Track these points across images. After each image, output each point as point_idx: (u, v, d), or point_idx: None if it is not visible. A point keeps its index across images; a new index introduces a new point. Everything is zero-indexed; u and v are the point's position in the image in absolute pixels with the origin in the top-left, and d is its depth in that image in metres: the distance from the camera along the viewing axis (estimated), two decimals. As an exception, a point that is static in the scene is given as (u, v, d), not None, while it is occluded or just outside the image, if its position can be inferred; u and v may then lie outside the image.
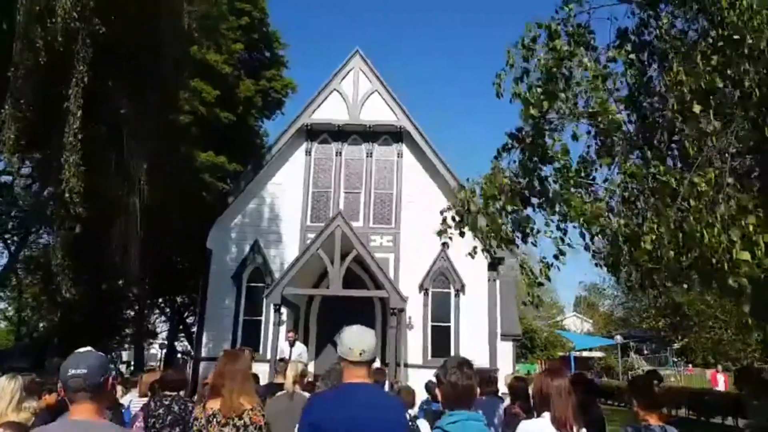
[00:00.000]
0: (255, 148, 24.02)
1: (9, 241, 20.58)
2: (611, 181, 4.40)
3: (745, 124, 3.75)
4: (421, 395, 9.22)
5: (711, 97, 3.75)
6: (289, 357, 12.53)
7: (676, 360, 34.12)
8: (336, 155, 18.45)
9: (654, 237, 3.81)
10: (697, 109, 3.70)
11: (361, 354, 3.29)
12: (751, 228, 3.46)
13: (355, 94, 18.57)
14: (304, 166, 18.40)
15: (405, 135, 18.31)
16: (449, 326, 17.32)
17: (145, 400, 6.55)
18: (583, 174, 4.69)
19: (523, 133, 4.95)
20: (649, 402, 3.94)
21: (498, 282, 17.95)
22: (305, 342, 17.17)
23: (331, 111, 18.46)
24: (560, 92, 4.66)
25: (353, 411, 3.10)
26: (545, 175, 4.94)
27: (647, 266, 4.07)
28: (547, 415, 3.65)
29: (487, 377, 6.91)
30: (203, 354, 17.39)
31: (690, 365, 31.61)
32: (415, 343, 17.12)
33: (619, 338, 33.39)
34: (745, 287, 3.34)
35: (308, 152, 18.49)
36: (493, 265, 17.26)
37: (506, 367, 19.16)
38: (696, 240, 3.53)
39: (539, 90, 4.81)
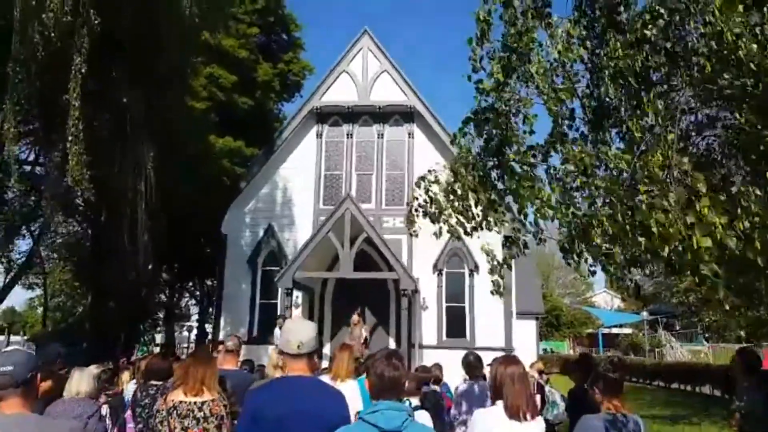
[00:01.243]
0: (273, 132, 24.04)
1: (32, 229, 21.18)
2: (560, 168, 4.19)
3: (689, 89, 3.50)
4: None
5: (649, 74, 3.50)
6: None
7: (707, 336, 33.24)
8: (347, 137, 18.27)
9: (602, 228, 3.61)
10: (634, 84, 3.45)
11: (299, 347, 3.30)
12: (705, 211, 3.24)
13: (365, 75, 18.30)
14: (315, 149, 18.27)
15: (416, 115, 17.99)
16: (464, 306, 17.15)
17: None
18: (539, 158, 4.48)
19: (479, 115, 4.76)
20: (613, 390, 3.85)
21: (514, 260, 17.67)
22: (320, 324, 17.28)
23: (341, 93, 18.22)
24: (516, 67, 4.46)
25: (289, 404, 3.08)
26: (505, 158, 4.74)
27: (601, 256, 3.87)
28: (500, 403, 3.62)
29: (474, 360, 6.79)
30: (221, 337, 17.62)
31: (721, 342, 30.86)
32: (430, 324, 16.99)
33: (645, 314, 32.65)
34: (717, 273, 3.12)
35: (319, 135, 18.36)
36: (507, 240, 17.00)
37: (527, 346, 19.01)
38: (650, 228, 3.32)
39: (496, 64, 4.60)
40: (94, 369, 7.57)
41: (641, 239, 3.42)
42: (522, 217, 4.87)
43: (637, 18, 3.65)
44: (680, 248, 3.26)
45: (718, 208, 3.25)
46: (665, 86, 3.75)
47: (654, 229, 3.22)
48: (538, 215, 4.16)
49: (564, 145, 4.17)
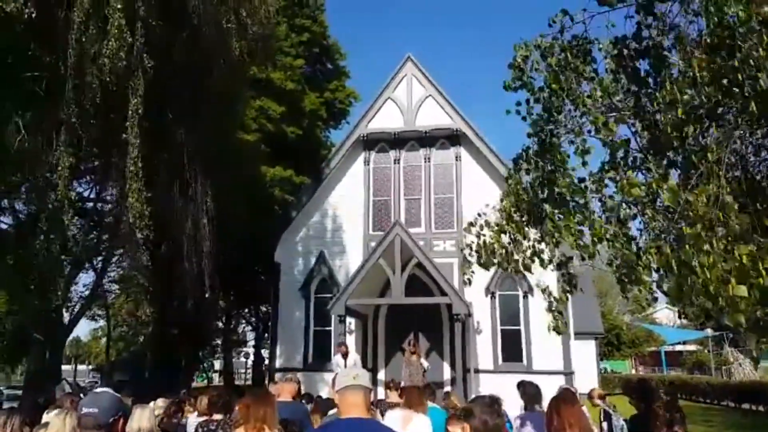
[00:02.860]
0: (321, 160, 24.50)
1: (94, 262, 22.07)
2: (609, 202, 4.15)
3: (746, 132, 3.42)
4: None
5: (708, 108, 3.45)
6: (344, 367, 12.66)
7: (778, 352, 31.61)
8: (394, 163, 18.42)
9: (649, 261, 3.57)
10: (690, 129, 3.42)
11: (355, 377, 3.33)
12: (745, 259, 3.17)
13: (410, 101, 18.47)
14: (363, 176, 18.50)
15: (462, 137, 18.00)
16: (519, 329, 16.90)
17: (203, 419, 6.84)
18: (593, 189, 4.45)
19: (530, 152, 4.77)
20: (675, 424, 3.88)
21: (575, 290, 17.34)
22: (374, 351, 17.34)
23: (386, 119, 18.43)
24: (560, 109, 4.47)
25: None
26: (557, 193, 4.73)
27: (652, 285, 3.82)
28: None
29: (531, 390, 6.71)
30: (278, 365, 17.89)
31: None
32: (485, 348, 16.79)
33: (709, 331, 31.26)
34: (741, 325, 3.07)
35: (366, 162, 18.59)
36: (562, 264, 16.72)
37: (587, 368, 18.56)
38: (692, 269, 3.27)
39: (539, 108, 4.63)
40: (161, 403, 7.83)
41: (686, 274, 3.37)
42: (575, 248, 4.83)
43: (696, 51, 3.61)
44: (718, 292, 3.20)
45: (764, 253, 3.17)
46: (717, 120, 3.70)
47: (698, 270, 3.18)
48: (589, 251, 4.12)
49: (619, 173, 4.14)
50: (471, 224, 5.90)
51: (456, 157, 18.12)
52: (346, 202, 18.40)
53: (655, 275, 3.95)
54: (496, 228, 5.30)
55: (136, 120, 11.47)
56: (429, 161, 18.25)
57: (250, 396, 4.83)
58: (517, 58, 4.49)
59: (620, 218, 3.93)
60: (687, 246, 3.23)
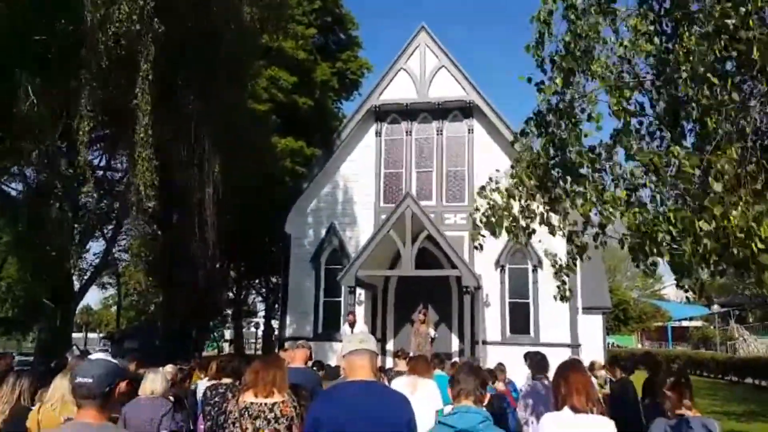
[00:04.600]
0: (333, 131, 24.37)
1: (105, 231, 22.22)
2: (627, 168, 4.07)
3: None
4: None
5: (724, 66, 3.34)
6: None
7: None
8: (406, 134, 18.24)
9: (670, 224, 3.50)
10: (714, 80, 3.31)
11: (361, 341, 3.36)
12: None
13: (423, 72, 18.20)
14: (375, 148, 18.34)
15: (475, 110, 17.76)
16: (527, 302, 16.89)
17: (212, 383, 6.90)
18: (603, 157, 4.36)
19: (541, 115, 4.67)
20: (681, 394, 3.88)
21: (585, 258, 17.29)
22: (383, 321, 17.42)
23: (399, 90, 18.18)
24: (578, 70, 4.36)
25: (352, 410, 3.12)
26: (569, 160, 4.64)
27: (668, 254, 3.75)
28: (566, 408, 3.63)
29: (538, 360, 6.72)
30: (287, 334, 18.02)
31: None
32: (494, 321, 16.81)
33: (716, 307, 31.17)
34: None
35: (378, 133, 18.43)
36: (572, 233, 16.64)
37: (593, 342, 18.56)
38: (718, 224, 3.19)
39: (558, 70, 4.52)
40: (170, 369, 7.92)
41: (710, 234, 3.30)
42: (584, 218, 4.77)
43: (716, 5, 3.47)
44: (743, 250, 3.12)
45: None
46: (739, 78, 3.59)
47: (724, 223, 3.10)
48: (602, 217, 4.05)
49: (630, 142, 4.04)
50: (482, 188, 5.84)
51: (468, 130, 17.92)
52: (358, 174, 18.31)
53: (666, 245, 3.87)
54: (506, 193, 5.23)
55: (146, 87, 11.38)
56: (441, 133, 18.07)
57: (259, 360, 4.84)
58: (542, 12, 4.36)
59: (633, 185, 3.85)
60: (714, 203, 3.15)
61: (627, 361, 7.70)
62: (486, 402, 5.07)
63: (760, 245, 3.03)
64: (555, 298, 5.12)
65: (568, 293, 5.11)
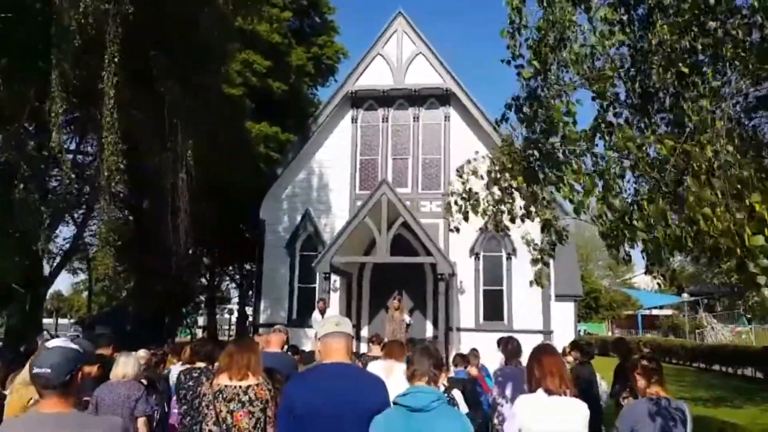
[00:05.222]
0: (308, 117, 24.21)
1: (75, 215, 21.82)
2: (605, 155, 4.12)
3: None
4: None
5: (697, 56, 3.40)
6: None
7: (749, 317, 32.44)
8: (382, 121, 18.17)
9: (642, 212, 3.56)
10: (685, 69, 3.36)
11: (337, 324, 3.41)
12: (757, 206, 3.13)
13: (400, 58, 18.13)
14: (351, 134, 18.26)
15: (452, 97, 17.77)
16: (501, 290, 17.09)
17: (186, 367, 6.86)
18: (584, 146, 4.40)
19: (520, 101, 4.70)
20: (652, 376, 4.02)
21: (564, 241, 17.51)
22: (358, 308, 17.45)
23: (375, 76, 18.10)
24: (552, 55, 4.39)
25: (328, 392, 3.14)
26: (548, 148, 4.68)
27: (641, 239, 3.81)
28: (540, 390, 3.70)
29: (512, 346, 6.80)
30: (261, 320, 17.96)
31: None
32: (468, 308, 16.96)
33: (685, 296, 31.99)
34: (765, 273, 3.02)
35: (354, 120, 18.33)
36: (547, 228, 16.84)
37: (565, 329, 18.87)
38: (697, 220, 3.24)
39: (532, 54, 4.55)
40: (143, 353, 7.85)
41: (684, 225, 3.35)
42: (567, 204, 4.82)
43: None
44: (728, 244, 3.16)
45: (768, 200, 3.14)
46: (712, 68, 3.65)
47: (701, 223, 3.14)
48: (580, 207, 4.10)
49: (608, 130, 4.10)
50: (460, 169, 5.86)
51: (445, 117, 17.95)
52: (333, 160, 18.23)
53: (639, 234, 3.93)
54: (485, 177, 5.25)
55: (113, 69, 11.12)
56: (418, 120, 18.08)
57: (233, 344, 4.82)
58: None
59: (611, 173, 3.90)
60: (690, 198, 3.19)
61: (588, 345, 7.96)
62: (442, 382, 5.15)
63: (749, 243, 3.07)
64: (531, 283, 5.17)
65: (545, 280, 5.17)
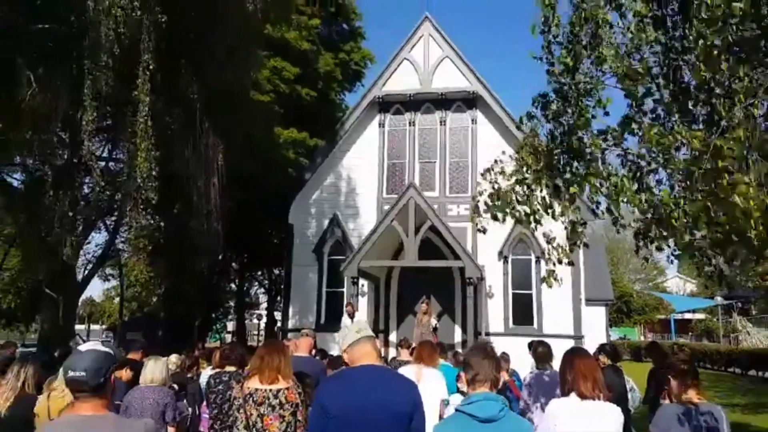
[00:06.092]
0: (336, 122, 24.36)
1: (107, 222, 22.24)
2: (635, 151, 4.03)
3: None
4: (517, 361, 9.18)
5: (737, 49, 3.29)
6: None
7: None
8: (409, 125, 18.18)
9: (681, 210, 3.46)
10: (724, 65, 3.26)
11: (358, 331, 3.37)
12: None
13: (426, 62, 18.12)
14: (378, 139, 18.29)
15: (478, 101, 17.68)
16: (530, 294, 16.88)
17: (216, 371, 6.90)
18: (611, 143, 4.32)
19: (548, 98, 4.63)
20: (686, 380, 3.90)
21: (582, 246, 17.26)
22: (386, 313, 17.42)
23: (402, 81, 18.11)
24: (585, 53, 4.32)
25: (359, 394, 3.11)
26: (575, 143, 4.59)
27: (682, 240, 3.71)
28: (573, 394, 3.64)
29: (543, 349, 6.69)
30: (290, 325, 18.03)
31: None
32: (497, 312, 16.79)
33: (719, 299, 31.17)
34: None
35: (381, 124, 18.35)
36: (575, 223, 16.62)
37: (596, 333, 18.59)
38: (732, 204, 3.14)
39: (564, 51, 4.48)
40: (174, 358, 7.93)
41: (723, 218, 3.26)
42: (594, 205, 4.74)
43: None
44: (761, 229, 3.07)
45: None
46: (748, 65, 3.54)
47: (738, 201, 3.04)
48: (611, 202, 4.02)
49: (639, 127, 4.01)
50: (487, 171, 5.80)
51: (472, 120, 17.86)
52: (361, 165, 18.27)
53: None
54: (510, 176, 5.20)
55: (147, 76, 11.33)
56: (444, 124, 18.02)
57: (264, 347, 4.82)
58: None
59: (642, 170, 3.82)
60: (723, 181, 3.10)
61: (615, 348, 7.80)
62: (500, 385, 5.07)
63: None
64: (542, 280, 5.09)
65: (553, 279, 5.09)
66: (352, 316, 13.81)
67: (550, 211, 4.99)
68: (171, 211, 21.10)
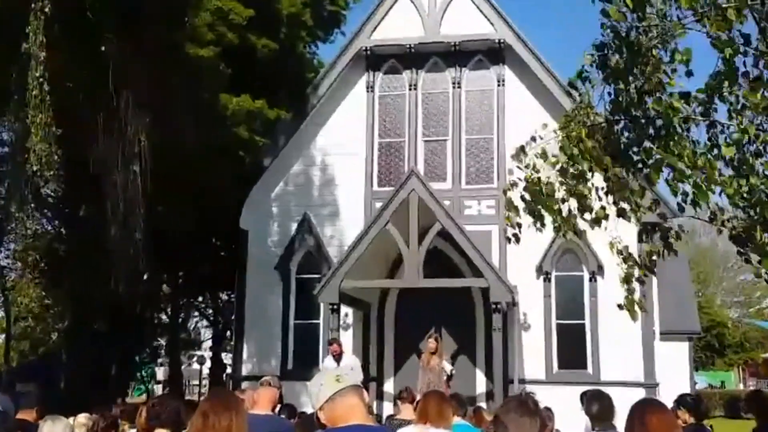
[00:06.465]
0: (305, 86, 24.29)
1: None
2: (731, 124, 4.01)
3: None
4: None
5: None
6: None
7: None
8: (410, 88, 18.19)
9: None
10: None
11: (338, 379, 3.34)
12: None
13: (433, 0, 18.25)
14: (366, 108, 18.32)
15: (507, 52, 17.74)
16: (583, 324, 16.93)
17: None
18: (697, 111, 4.30)
19: (606, 50, 4.61)
20: None
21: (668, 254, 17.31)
22: (379, 353, 17.38)
23: (399, 26, 18.21)
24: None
25: None
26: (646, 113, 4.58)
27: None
28: None
29: (602, 403, 6.72)
30: (244, 371, 18.00)
31: None
32: (535, 351, 16.82)
33: None
34: None
35: (370, 87, 18.37)
36: (647, 232, 16.63)
37: (677, 379, 18.59)
38: None
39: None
40: (83, 419, 7.92)
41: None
42: (680, 197, 4.72)
43: None
44: None
45: None
46: None
47: None
48: (698, 193, 4.00)
49: (737, 87, 3.99)
50: (521, 150, 5.79)
51: (498, 81, 17.88)
52: (342, 145, 18.31)
53: None
54: (555, 160, 5.18)
55: (41, 23, 11.25)
56: (459, 86, 18.03)
57: (209, 400, 4.78)
58: None
59: (747, 151, 3.80)
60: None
61: (700, 400, 7.70)
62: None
63: None
64: (620, 307, 5.06)
65: (639, 306, 5.06)
66: (338, 358, 13.75)
67: (611, 208, 4.98)
68: (75, 213, 21.00)
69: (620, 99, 4.86)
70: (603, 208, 5.34)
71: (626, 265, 5.14)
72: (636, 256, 5.22)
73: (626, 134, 4.72)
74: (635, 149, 4.68)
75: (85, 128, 13.74)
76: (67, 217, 21.54)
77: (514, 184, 5.81)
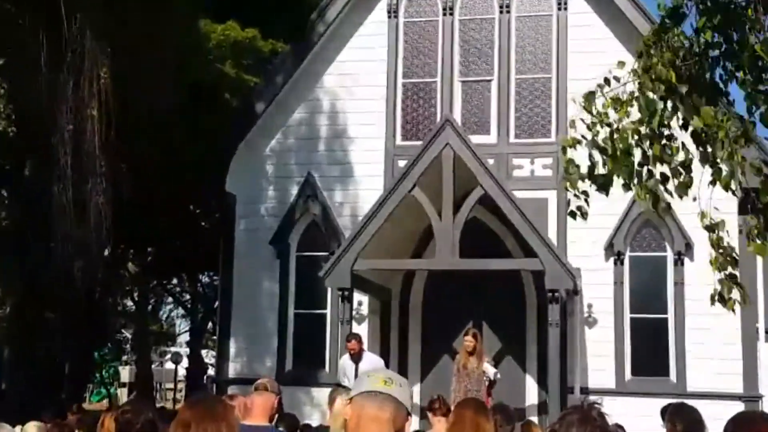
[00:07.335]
0: (310, 10, 24.21)
1: None
2: None
3: None
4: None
5: None
6: (355, 376, 12.76)
7: None
8: (444, 12, 18.09)
9: None
10: None
11: (386, 382, 3.33)
12: None
13: None
14: (387, 37, 18.26)
15: (570, -32, 17.67)
16: (665, 319, 16.89)
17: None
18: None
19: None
20: None
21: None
22: (401, 351, 17.45)
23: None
24: None
25: None
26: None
27: None
28: None
29: (691, 419, 6.77)
30: (231, 372, 18.12)
31: None
32: (602, 352, 16.81)
33: None
34: None
35: (393, 10, 18.25)
36: (748, 203, 16.51)
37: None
38: None
39: None
40: (33, 428, 8.07)
41: None
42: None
43: None
44: None
45: None
46: None
47: None
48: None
49: None
50: (589, 96, 5.74)
51: (560, 3, 17.73)
52: (356, 88, 18.31)
53: None
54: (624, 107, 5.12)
55: None
56: (508, 9, 17.92)
57: (191, 407, 4.80)
58: None
59: None
60: None
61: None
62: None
63: None
64: (714, 298, 5.03)
65: (742, 298, 5.02)
66: (357, 357, 13.81)
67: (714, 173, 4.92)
68: (19, 172, 21.14)
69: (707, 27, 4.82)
70: (688, 165, 5.27)
71: (719, 248, 5.07)
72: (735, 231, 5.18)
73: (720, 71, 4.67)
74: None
75: (29, 64, 13.76)
76: (5, 178, 21.68)
77: (578, 142, 5.74)
